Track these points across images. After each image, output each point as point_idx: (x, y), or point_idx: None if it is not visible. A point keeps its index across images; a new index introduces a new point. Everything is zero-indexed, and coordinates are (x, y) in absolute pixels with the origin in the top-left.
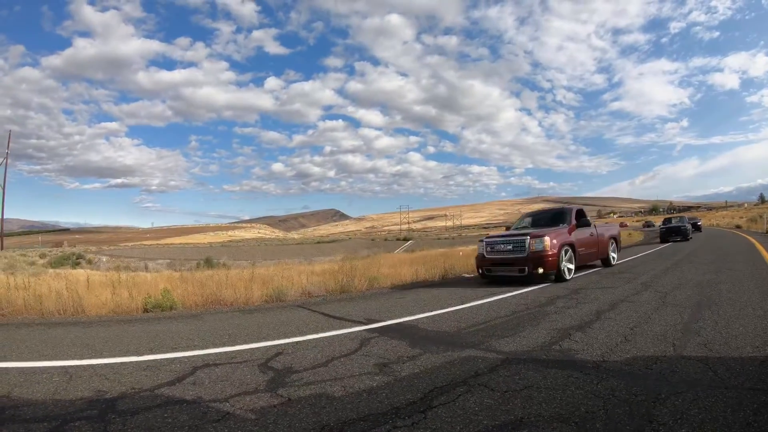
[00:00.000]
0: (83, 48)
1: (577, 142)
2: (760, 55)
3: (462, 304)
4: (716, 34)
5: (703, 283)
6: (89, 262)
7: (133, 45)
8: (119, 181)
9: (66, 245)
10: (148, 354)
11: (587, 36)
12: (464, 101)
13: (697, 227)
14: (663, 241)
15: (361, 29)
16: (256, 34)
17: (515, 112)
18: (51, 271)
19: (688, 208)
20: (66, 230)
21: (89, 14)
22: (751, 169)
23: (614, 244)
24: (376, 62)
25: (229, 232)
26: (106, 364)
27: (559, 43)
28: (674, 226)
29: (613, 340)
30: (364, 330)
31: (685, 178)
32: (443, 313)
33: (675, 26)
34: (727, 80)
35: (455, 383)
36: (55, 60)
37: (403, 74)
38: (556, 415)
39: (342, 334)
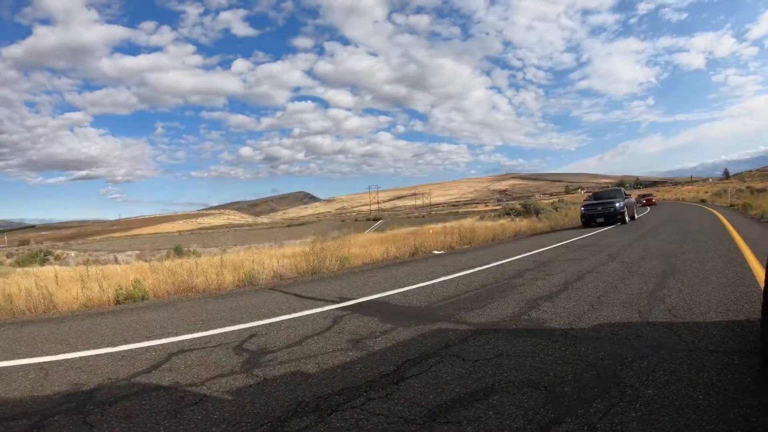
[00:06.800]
0: (44, 36)
1: (546, 120)
2: (726, 36)
3: (432, 279)
4: (684, 15)
5: (669, 253)
6: (57, 258)
7: (96, 31)
8: (84, 173)
9: (33, 243)
10: (123, 344)
11: (557, 16)
12: (434, 80)
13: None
14: (586, 224)
15: (331, 8)
16: (224, 15)
17: (485, 90)
18: (19, 269)
19: (654, 183)
20: (32, 227)
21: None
22: (715, 146)
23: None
24: (346, 42)
25: (198, 220)
26: (81, 358)
27: (528, 22)
28: (603, 202)
29: (580, 308)
30: (336, 308)
31: (651, 154)
32: (414, 288)
33: (643, 7)
34: (694, 60)
35: (427, 355)
36: (15, 50)
37: (373, 54)
38: (526, 381)
39: (315, 313)
